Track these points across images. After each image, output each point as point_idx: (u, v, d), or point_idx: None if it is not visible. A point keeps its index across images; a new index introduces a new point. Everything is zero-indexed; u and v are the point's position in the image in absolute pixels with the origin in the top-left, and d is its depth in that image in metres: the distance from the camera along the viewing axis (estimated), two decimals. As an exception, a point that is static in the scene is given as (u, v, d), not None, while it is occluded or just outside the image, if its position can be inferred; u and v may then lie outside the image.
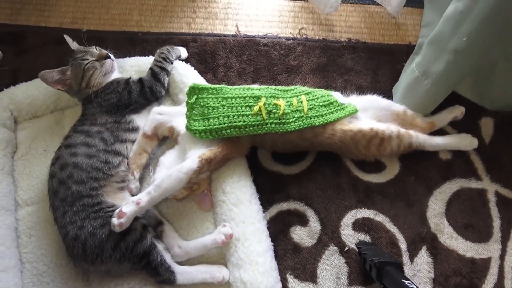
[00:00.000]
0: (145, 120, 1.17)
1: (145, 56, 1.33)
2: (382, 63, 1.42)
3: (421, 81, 1.19)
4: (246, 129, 1.09)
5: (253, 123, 1.09)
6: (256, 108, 1.10)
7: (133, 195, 1.11)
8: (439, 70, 1.13)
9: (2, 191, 1.11)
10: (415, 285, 0.80)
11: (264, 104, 1.11)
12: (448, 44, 1.07)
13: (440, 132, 1.28)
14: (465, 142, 1.25)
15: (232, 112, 1.09)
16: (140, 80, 1.19)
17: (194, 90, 1.10)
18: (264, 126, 1.10)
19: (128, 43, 1.41)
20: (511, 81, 1.26)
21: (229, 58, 1.41)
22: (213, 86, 1.12)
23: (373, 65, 1.42)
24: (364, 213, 1.18)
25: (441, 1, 1.23)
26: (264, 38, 1.45)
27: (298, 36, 1.49)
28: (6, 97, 1.20)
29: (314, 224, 1.16)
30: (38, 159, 1.19)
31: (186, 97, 1.11)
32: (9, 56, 1.38)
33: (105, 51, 1.19)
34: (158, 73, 1.21)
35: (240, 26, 1.50)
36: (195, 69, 1.31)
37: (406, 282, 0.81)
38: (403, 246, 1.14)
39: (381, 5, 1.54)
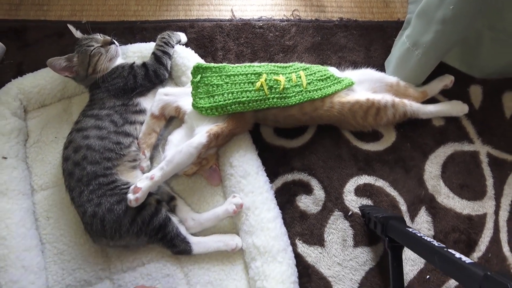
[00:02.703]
0: (151, 102, 1.22)
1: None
2: (374, 39, 1.48)
3: (412, 52, 1.25)
4: (250, 104, 1.14)
5: (256, 98, 1.14)
6: (258, 84, 1.15)
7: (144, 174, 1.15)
8: (429, 39, 1.19)
9: (18, 176, 1.15)
10: (419, 232, 0.86)
11: (265, 80, 1.16)
12: (435, 14, 1.13)
13: (432, 101, 1.34)
14: (457, 108, 1.32)
15: (236, 89, 1.14)
16: (144, 64, 1.24)
17: (198, 70, 1.15)
18: (266, 101, 1.16)
19: (128, 32, 1.45)
20: (496, 50, 1.32)
21: (226, 41, 1.46)
22: (216, 65, 1.17)
23: (365, 41, 1.48)
24: (365, 179, 1.25)
25: None
26: (259, 21, 1.51)
27: (292, 17, 1.54)
28: (15, 87, 1.23)
29: (319, 192, 1.22)
30: (49, 146, 1.23)
31: (191, 77, 1.15)
32: (12, 50, 1.42)
33: (109, 38, 1.23)
34: (160, 56, 1.25)
35: (235, 11, 1.55)
36: (194, 53, 1.36)
37: (411, 229, 0.87)
38: (403, 207, 1.21)
39: (369, -15, 1.60)
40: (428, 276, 1.13)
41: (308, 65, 1.27)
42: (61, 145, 1.17)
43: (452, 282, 1.12)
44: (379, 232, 1.02)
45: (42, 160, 1.22)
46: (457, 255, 0.64)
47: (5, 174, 1.12)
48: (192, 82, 1.15)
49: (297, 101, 1.19)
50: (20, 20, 1.50)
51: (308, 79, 1.22)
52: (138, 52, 1.32)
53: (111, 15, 1.53)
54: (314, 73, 1.24)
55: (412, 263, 1.14)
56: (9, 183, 1.12)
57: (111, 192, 1.06)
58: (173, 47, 1.30)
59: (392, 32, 1.49)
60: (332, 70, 1.28)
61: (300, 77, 1.21)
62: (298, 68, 1.25)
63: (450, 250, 0.67)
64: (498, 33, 1.26)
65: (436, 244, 0.72)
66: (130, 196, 1.02)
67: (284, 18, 1.53)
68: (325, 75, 1.25)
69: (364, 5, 1.59)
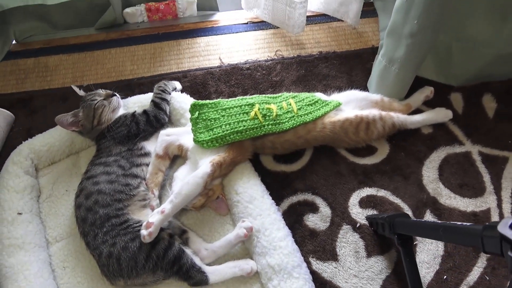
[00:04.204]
0: (155, 145, 1.29)
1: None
2: (353, 65, 1.61)
3: (389, 69, 1.36)
4: (247, 132, 1.21)
5: (252, 126, 1.22)
6: (252, 114, 1.23)
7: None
8: (402, 54, 1.30)
9: (33, 230, 1.18)
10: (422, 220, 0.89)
11: (259, 109, 1.25)
12: (403, 30, 1.25)
13: (416, 112, 1.42)
14: (441, 114, 1.40)
15: (232, 120, 1.22)
16: (145, 111, 1.33)
17: (195, 107, 1.24)
18: (262, 128, 1.23)
19: (127, 89, 1.56)
20: (466, 59, 1.43)
21: (218, 85, 1.57)
22: (211, 101, 1.26)
23: (346, 68, 1.60)
24: (367, 191, 1.29)
25: (390, 8, 1.42)
26: (245, 64, 1.63)
27: (275, 57, 1.67)
28: (26, 148, 1.31)
29: (324, 209, 1.26)
30: (61, 199, 1.28)
31: (190, 115, 1.24)
32: (21, 118, 1.51)
33: (111, 91, 1.33)
34: (159, 103, 1.35)
35: (223, 58, 1.68)
36: (190, 97, 1.46)
37: (415, 219, 0.90)
38: (409, 213, 1.23)
39: (341, 20, 1.76)
40: (445, 277, 1.13)
41: (296, 94, 1.37)
42: (72, 197, 1.22)
43: (471, 279, 1.12)
44: (387, 233, 1.05)
45: (55, 214, 1.26)
46: (458, 223, 0.68)
47: (21, 229, 1.16)
48: (191, 119, 1.23)
49: (291, 126, 1.26)
50: (27, 91, 1.62)
51: (298, 105, 1.31)
52: (138, 102, 1.42)
53: (110, 76, 1.65)
54: (303, 100, 1.34)
55: (427, 266, 1.14)
56: (25, 237, 1.15)
57: (125, 231, 1.09)
58: (169, 93, 1.41)
59: (369, 57, 1.61)
60: (319, 95, 1.37)
61: (290, 104, 1.30)
62: (287, 97, 1.34)
63: (451, 222, 0.70)
64: (464, 43, 1.38)
65: (438, 222, 0.76)
66: (143, 231, 1.06)
67: (269, 58, 1.66)
68: (313, 100, 1.34)
69: (340, 38, 1.73)
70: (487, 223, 0.61)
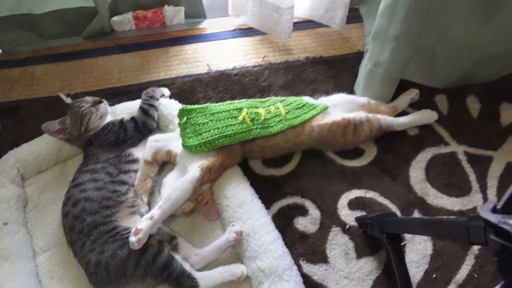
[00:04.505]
0: (143, 152, 1.28)
1: (132, 101, 1.48)
2: (340, 70, 1.63)
3: (375, 71, 1.38)
4: (236, 136, 1.22)
5: (240, 130, 1.23)
6: (240, 118, 1.24)
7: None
8: (387, 57, 1.32)
9: (20, 240, 1.16)
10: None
11: (247, 113, 1.26)
12: (388, 33, 1.28)
13: (402, 114, 1.44)
14: (426, 116, 1.42)
15: (220, 124, 1.22)
16: (133, 118, 1.32)
17: (183, 112, 1.24)
18: (250, 132, 1.24)
19: (114, 96, 1.55)
20: (449, 61, 1.45)
21: (206, 91, 1.57)
22: (199, 106, 1.26)
23: (333, 73, 1.62)
24: (355, 193, 1.29)
25: (375, 14, 1.44)
26: (233, 70, 1.64)
27: (263, 63, 1.68)
28: (12, 157, 1.29)
29: (314, 211, 1.26)
30: (48, 208, 1.27)
31: (178, 120, 1.24)
32: (8, 127, 1.50)
33: (98, 98, 1.33)
34: (147, 109, 1.35)
35: (211, 65, 1.69)
36: (179, 103, 1.46)
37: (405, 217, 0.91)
38: (397, 213, 1.24)
39: (327, 26, 1.78)
40: (434, 275, 1.13)
41: (283, 98, 1.38)
42: (59, 206, 1.20)
43: (460, 277, 1.13)
44: (376, 233, 1.05)
45: (42, 223, 1.24)
46: (444, 217, 0.69)
47: (7, 239, 1.14)
48: (179, 124, 1.23)
49: (279, 130, 1.27)
50: (13, 101, 1.60)
51: (286, 109, 1.32)
52: (126, 109, 1.41)
53: (97, 84, 1.65)
54: (291, 103, 1.35)
55: (416, 265, 1.15)
56: (11, 247, 1.13)
57: (113, 239, 1.08)
58: (158, 100, 1.41)
59: (355, 61, 1.63)
60: (306, 99, 1.38)
61: (278, 108, 1.31)
62: (275, 101, 1.35)
63: (438, 217, 0.71)
64: (447, 45, 1.40)
65: (425, 217, 0.77)
66: (132, 238, 1.05)
67: (256, 64, 1.68)
68: (300, 103, 1.35)
69: (326, 43, 1.75)
70: (471, 214, 0.61)
